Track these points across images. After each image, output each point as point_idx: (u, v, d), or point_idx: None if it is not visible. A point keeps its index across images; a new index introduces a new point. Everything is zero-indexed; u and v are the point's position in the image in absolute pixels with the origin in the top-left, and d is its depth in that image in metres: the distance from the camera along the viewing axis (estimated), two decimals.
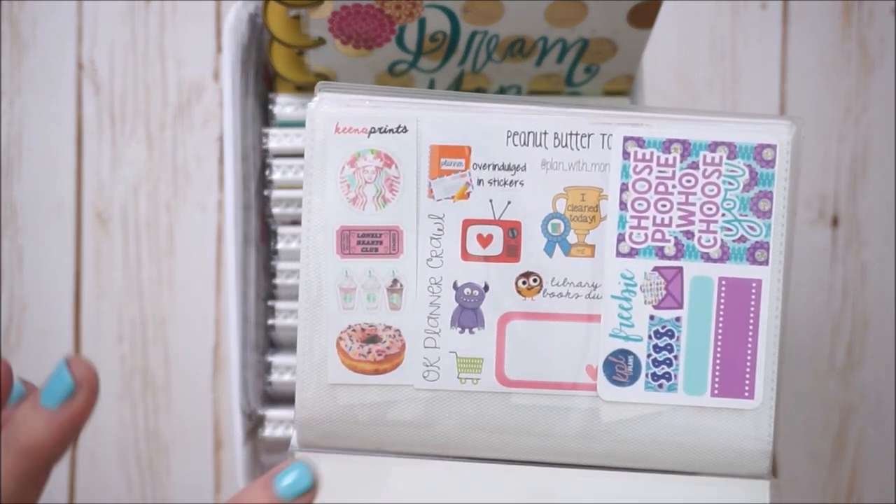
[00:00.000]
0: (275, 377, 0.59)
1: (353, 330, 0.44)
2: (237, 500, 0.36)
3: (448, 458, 0.45)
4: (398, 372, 0.45)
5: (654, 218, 0.44)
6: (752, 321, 0.44)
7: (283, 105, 0.59)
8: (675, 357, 0.44)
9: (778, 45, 0.75)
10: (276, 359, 0.59)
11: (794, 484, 0.75)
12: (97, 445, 0.75)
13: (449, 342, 0.45)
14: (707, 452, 0.44)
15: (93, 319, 0.74)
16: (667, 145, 0.44)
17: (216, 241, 0.74)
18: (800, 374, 0.75)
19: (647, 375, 0.44)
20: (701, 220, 0.44)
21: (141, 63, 0.75)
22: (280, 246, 0.59)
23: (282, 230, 0.59)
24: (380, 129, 0.44)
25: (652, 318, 0.44)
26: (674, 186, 0.44)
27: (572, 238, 0.44)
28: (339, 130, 0.44)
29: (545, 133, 0.44)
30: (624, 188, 0.44)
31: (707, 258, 0.44)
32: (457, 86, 0.59)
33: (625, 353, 0.44)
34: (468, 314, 0.45)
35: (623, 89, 0.60)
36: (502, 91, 0.59)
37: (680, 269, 0.44)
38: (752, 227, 0.44)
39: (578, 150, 0.44)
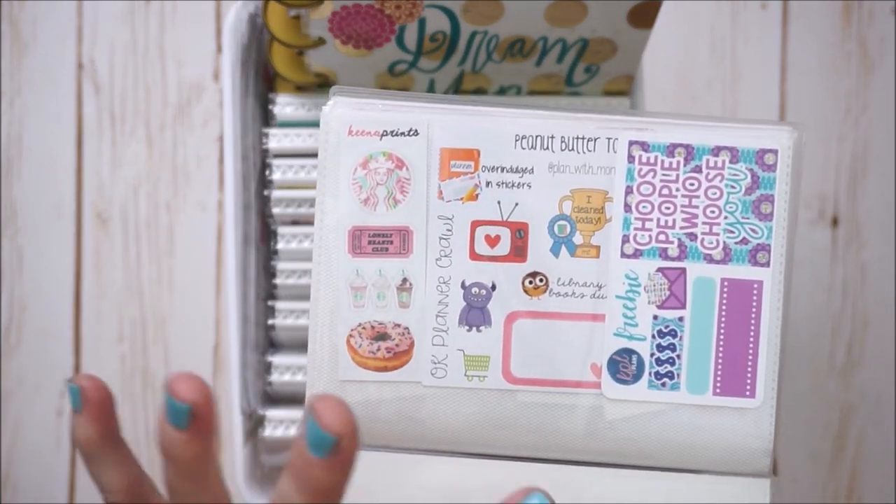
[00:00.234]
0: (275, 377, 0.59)
1: (363, 327, 0.45)
2: None
3: (454, 454, 0.46)
4: (407, 369, 0.45)
5: (658, 220, 0.45)
6: (753, 321, 0.45)
7: (283, 105, 0.59)
8: (678, 356, 0.45)
9: (778, 45, 0.75)
10: (276, 359, 0.59)
11: (794, 484, 0.75)
12: None
13: (457, 340, 0.45)
14: (708, 450, 0.45)
15: (93, 319, 0.74)
16: (671, 149, 0.45)
17: (216, 241, 0.74)
18: (800, 374, 0.75)
19: (650, 374, 0.45)
20: (704, 223, 0.45)
21: (141, 63, 0.74)
22: (280, 246, 0.59)
23: (282, 230, 0.59)
24: (392, 132, 0.45)
25: (655, 317, 0.45)
26: (677, 189, 0.45)
27: (578, 239, 0.45)
28: (352, 133, 0.45)
29: (552, 137, 0.45)
30: (629, 191, 0.45)
31: (710, 259, 0.45)
32: (457, 86, 0.59)
33: (629, 352, 0.45)
34: (476, 313, 0.45)
35: (623, 89, 0.59)
36: (502, 91, 0.59)
37: (683, 269, 0.45)
38: (753, 230, 0.45)
39: (584, 153, 0.45)
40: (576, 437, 0.45)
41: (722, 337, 0.45)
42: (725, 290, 0.45)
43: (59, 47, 0.74)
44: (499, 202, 0.45)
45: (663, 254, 0.45)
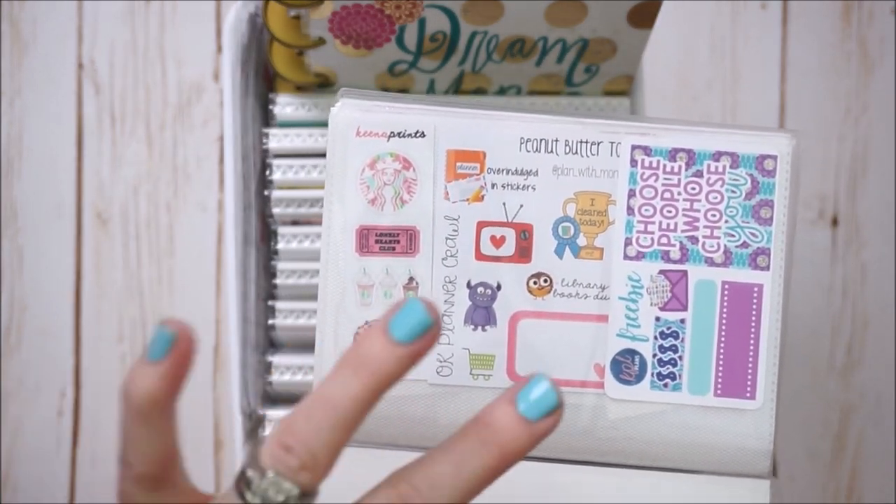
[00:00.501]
0: (275, 377, 0.59)
1: (370, 326, 0.45)
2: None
3: None
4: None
5: (660, 223, 0.45)
6: (753, 324, 0.45)
7: (283, 105, 0.59)
8: (680, 357, 0.45)
9: (778, 45, 0.75)
10: (276, 359, 0.59)
11: (794, 483, 0.75)
12: (97, 445, 0.75)
13: (462, 339, 0.46)
14: (709, 451, 0.45)
15: (93, 319, 0.74)
16: (673, 154, 0.45)
17: (216, 241, 0.74)
18: (799, 374, 0.74)
19: (652, 375, 0.45)
20: (705, 226, 0.45)
21: (141, 63, 0.74)
22: (280, 246, 0.59)
23: (282, 230, 0.59)
24: (399, 133, 0.46)
25: (658, 319, 0.45)
26: (679, 193, 0.45)
27: (582, 241, 0.46)
28: (360, 134, 0.46)
29: (556, 140, 0.46)
30: (631, 194, 0.45)
31: (711, 263, 0.45)
32: (457, 86, 0.58)
33: (631, 353, 0.45)
34: (481, 312, 0.46)
35: (623, 89, 0.59)
36: (502, 91, 0.59)
37: (685, 272, 0.45)
38: (753, 234, 0.45)
39: (588, 157, 0.46)
40: (578, 437, 0.45)
41: (723, 339, 0.45)
42: (726, 292, 0.45)
43: (59, 47, 0.74)
44: (504, 203, 0.46)
45: (665, 256, 0.45)
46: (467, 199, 0.46)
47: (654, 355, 0.45)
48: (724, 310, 0.45)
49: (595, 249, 0.45)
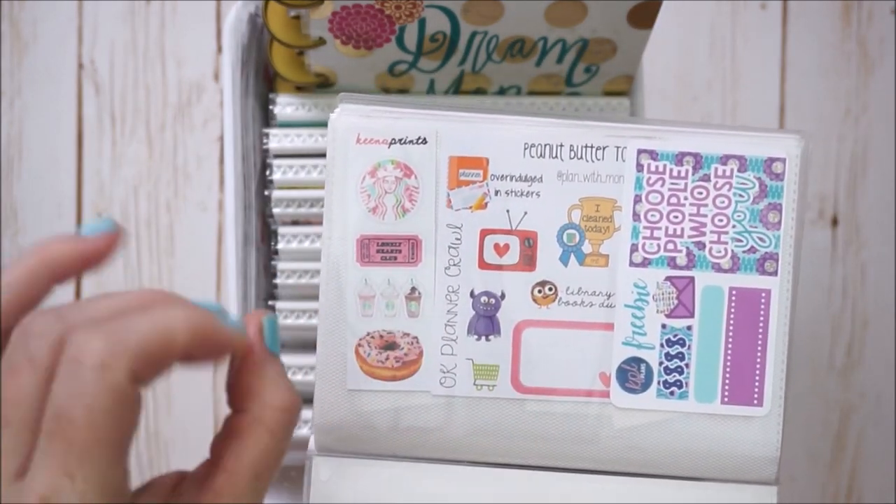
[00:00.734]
0: None
1: (372, 337, 0.45)
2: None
3: (463, 463, 0.45)
4: (415, 378, 0.45)
5: (667, 229, 0.45)
6: (761, 330, 0.45)
7: (284, 105, 0.59)
8: (687, 365, 0.45)
9: (778, 45, 0.75)
10: None
11: (794, 484, 0.75)
12: None
13: (465, 349, 0.45)
14: (716, 458, 0.45)
15: None
16: (679, 158, 0.45)
17: (216, 241, 0.74)
18: (799, 374, 0.74)
19: (658, 383, 0.45)
20: (712, 232, 0.45)
21: (141, 63, 0.74)
22: (280, 246, 0.59)
23: (282, 230, 0.59)
24: (400, 140, 0.45)
25: (664, 326, 0.45)
26: (686, 198, 0.45)
27: (587, 248, 0.45)
28: (360, 141, 0.45)
29: (561, 145, 0.45)
30: (637, 199, 0.45)
31: (718, 268, 0.45)
32: (457, 86, 0.58)
33: (637, 361, 0.45)
34: (484, 322, 0.45)
35: (623, 89, 0.59)
36: (502, 91, 0.59)
37: (691, 278, 0.45)
38: (761, 239, 0.45)
39: (593, 162, 0.45)
40: (585, 446, 0.45)
41: (730, 346, 0.45)
42: (733, 298, 0.45)
43: (59, 47, 0.74)
44: (507, 211, 0.45)
45: (671, 262, 0.45)
46: (470, 207, 0.45)
47: (661, 363, 0.45)
48: (732, 316, 0.45)
49: (600, 256, 0.45)
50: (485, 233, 0.45)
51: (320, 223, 0.58)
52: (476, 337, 0.45)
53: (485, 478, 0.45)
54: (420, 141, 0.45)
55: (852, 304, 0.74)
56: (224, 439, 0.36)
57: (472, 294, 0.45)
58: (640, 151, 0.45)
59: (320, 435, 0.45)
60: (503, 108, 0.47)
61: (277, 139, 0.58)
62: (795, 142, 0.45)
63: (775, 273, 0.45)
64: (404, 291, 0.45)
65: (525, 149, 0.45)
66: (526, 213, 0.45)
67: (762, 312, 0.45)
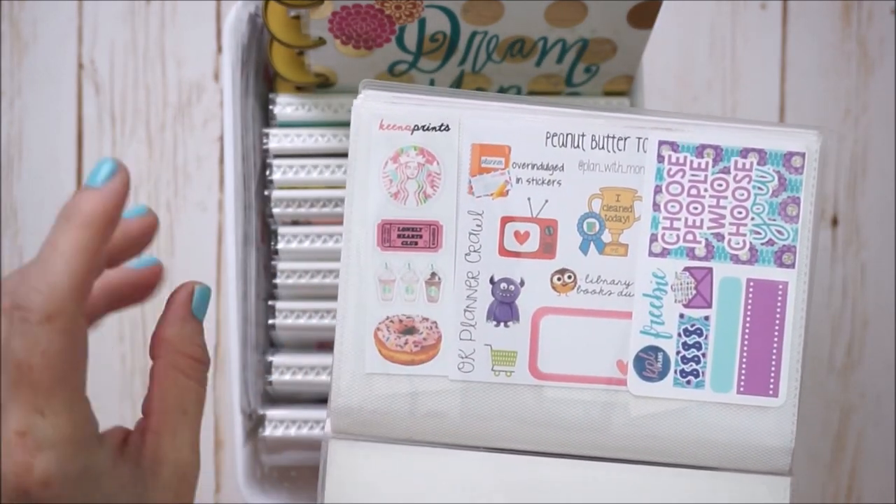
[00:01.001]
0: (275, 377, 0.59)
1: (391, 321, 0.45)
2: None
3: (480, 448, 0.46)
4: (434, 363, 0.45)
5: (686, 220, 0.45)
6: (777, 322, 0.45)
7: (283, 105, 0.59)
8: (703, 355, 0.45)
9: (778, 45, 0.75)
10: (276, 359, 0.59)
11: (794, 484, 0.75)
12: None
13: (484, 335, 0.45)
14: (730, 448, 0.45)
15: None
16: (700, 150, 0.45)
17: (216, 241, 0.74)
18: None
19: (675, 372, 0.45)
20: (731, 223, 0.45)
21: (141, 63, 0.74)
22: (280, 246, 0.59)
23: (282, 230, 0.59)
24: (423, 126, 0.45)
25: (682, 316, 0.45)
26: (705, 190, 0.45)
27: (607, 237, 0.45)
28: (384, 127, 0.45)
29: (583, 135, 0.45)
30: (658, 190, 0.45)
31: (736, 260, 0.45)
32: (457, 86, 0.58)
33: (655, 350, 0.45)
34: (504, 308, 0.45)
35: (623, 89, 0.59)
36: (502, 91, 0.59)
37: (710, 269, 0.45)
38: (779, 231, 0.45)
39: (615, 152, 0.45)
40: (601, 433, 0.45)
41: (747, 336, 0.45)
42: (751, 290, 0.45)
43: (59, 47, 0.74)
44: (529, 199, 0.45)
45: (690, 253, 0.45)
46: (491, 194, 0.45)
47: (678, 352, 0.45)
48: (749, 307, 0.45)
49: (620, 246, 0.45)
50: (505, 220, 0.45)
51: (320, 223, 0.59)
52: (495, 323, 0.45)
53: (500, 463, 0.45)
54: (443, 128, 0.45)
55: (852, 304, 0.74)
56: (149, 389, 0.41)
57: (491, 280, 0.45)
58: (661, 143, 0.45)
59: (337, 418, 0.45)
60: (526, 98, 0.47)
61: (277, 139, 0.58)
62: (815, 137, 0.45)
63: (793, 265, 0.45)
64: (424, 276, 0.45)
65: (547, 138, 0.45)
66: (547, 201, 0.45)
67: (779, 304, 0.45)
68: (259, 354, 0.60)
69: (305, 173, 0.58)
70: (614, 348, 0.45)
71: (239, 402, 0.59)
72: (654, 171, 0.45)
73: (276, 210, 0.58)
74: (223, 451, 0.74)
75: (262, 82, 0.61)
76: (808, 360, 0.76)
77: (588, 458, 0.45)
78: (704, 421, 0.45)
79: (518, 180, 0.45)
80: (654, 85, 0.73)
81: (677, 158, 0.45)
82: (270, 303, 0.59)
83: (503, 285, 0.45)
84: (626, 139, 0.45)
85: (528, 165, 0.45)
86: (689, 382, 0.45)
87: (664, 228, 0.45)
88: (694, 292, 0.45)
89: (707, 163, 0.45)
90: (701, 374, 0.45)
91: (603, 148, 0.45)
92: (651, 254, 0.45)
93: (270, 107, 0.59)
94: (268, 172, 0.58)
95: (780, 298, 0.45)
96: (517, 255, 0.45)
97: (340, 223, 0.58)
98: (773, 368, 0.45)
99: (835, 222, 0.74)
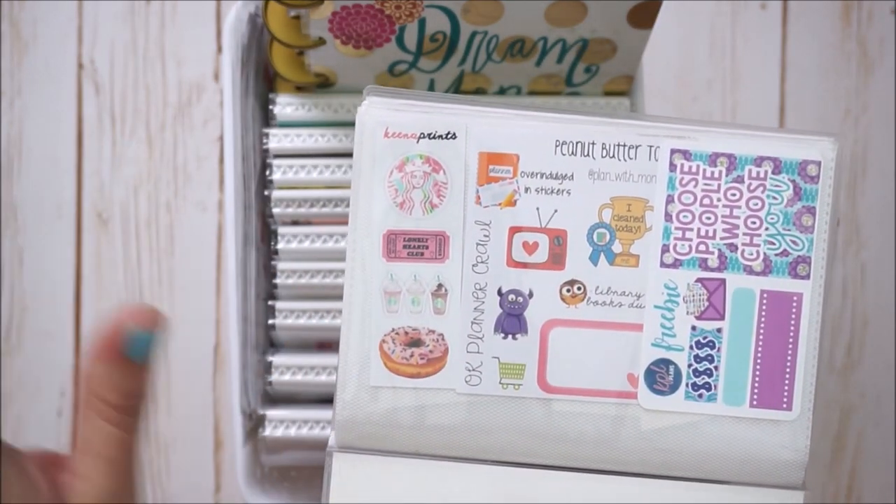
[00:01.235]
0: (275, 377, 0.59)
1: (397, 333, 0.44)
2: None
3: (487, 462, 0.45)
4: (440, 376, 0.44)
5: (699, 230, 0.44)
6: (792, 334, 0.44)
7: (284, 105, 0.59)
8: (716, 368, 0.44)
9: (778, 45, 0.75)
10: (276, 359, 0.59)
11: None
12: None
13: (492, 347, 0.44)
14: (743, 462, 0.44)
15: (93, 319, 0.74)
16: (713, 159, 0.44)
17: (216, 241, 0.74)
18: None
19: (687, 385, 0.44)
20: (744, 234, 0.44)
21: (141, 63, 0.74)
22: (280, 246, 0.58)
23: (282, 230, 0.58)
24: (429, 134, 0.44)
25: (694, 328, 0.44)
26: (718, 199, 0.44)
27: (617, 248, 0.44)
28: (389, 135, 0.44)
29: (593, 143, 0.44)
30: (669, 200, 0.44)
31: (750, 271, 0.44)
32: (457, 86, 0.58)
33: (666, 363, 0.44)
34: (512, 320, 0.44)
35: (623, 89, 0.59)
36: (502, 91, 0.59)
37: (723, 280, 0.44)
38: (794, 242, 0.44)
39: (625, 161, 0.44)
40: (610, 448, 0.44)
41: (760, 349, 0.44)
42: (765, 302, 0.44)
43: (59, 47, 0.74)
44: (537, 208, 0.44)
45: (703, 264, 0.44)
46: (499, 204, 0.44)
47: (690, 365, 0.44)
48: (763, 319, 0.44)
49: (631, 256, 0.44)
50: (514, 230, 0.44)
51: (320, 223, 0.58)
52: (503, 335, 0.44)
53: (508, 477, 0.44)
54: (450, 136, 0.44)
55: (852, 304, 0.74)
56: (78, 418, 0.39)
57: (499, 292, 0.44)
58: (673, 151, 0.44)
59: (341, 431, 0.44)
60: (535, 105, 0.45)
61: (277, 139, 0.58)
62: (831, 145, 0.44)
63: (807, 277, 0.44)
64: (431, 288, 0.44)
65: (556, 146, 0.44)
66: (556, 211, 0.44)
67: (793, 316, 0.44)
68: (259, 354, 0.60)
69: (305, 173, 0.58)
70: (625, 361, 0.44)
71: (239, 402, 0.59)
72: (666, 181, 0.44)
73: (276, 210, 0.58)
74: (223, 451, 0.74)
75: (262, 82, 0.61)
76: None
77: (597, 472, 0.44)
78: (716, 435, 0.44)
79: (527, 189, 0.44)
80: (654, 85, 0.73)
81: (690, 167, 0.44)
82: (270, 303, 0.59)
83: (511, 297, 0.44)
84: (637, 147, 0.44)
85: (536, 174, 0.44)
86: (700, 396, 0.44)
87: (676, 239, 0.44)
88: (706, 304, 0.44)
89: (720, 171, 0.44)
90: (713, 387, 0.44)
91: (613, 156, 0.44)
92: (663, 265, 0.44)
93: (270, 107, 0.59)
94: (268, 172, 0.58)
95: (794, 310, 0.44)
96: (525, 266, 0.44)
97: (340, 223, 0.58)
98: (786, 381, 0.44)
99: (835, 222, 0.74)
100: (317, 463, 0.61)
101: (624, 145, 0.44)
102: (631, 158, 0.44)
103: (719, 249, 0.44)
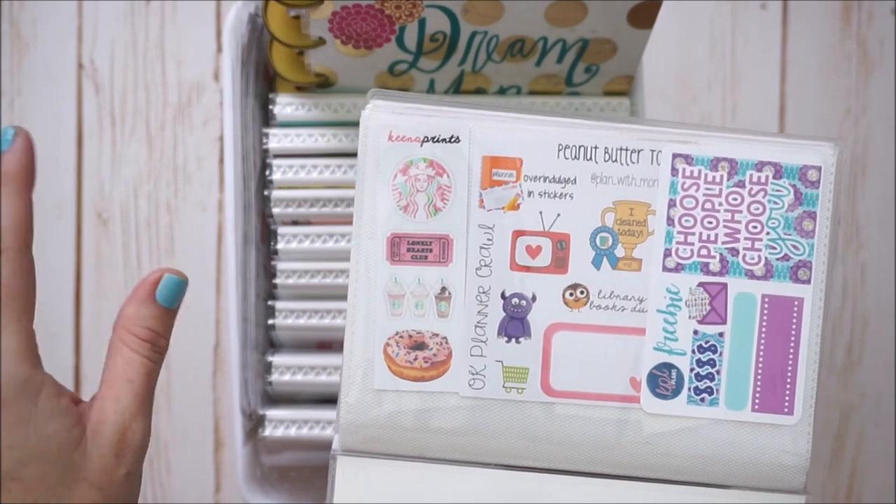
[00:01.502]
0: (275, 377, 0.59)
1: (401, 336, 0.44)
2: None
3: (491, 465, 0.45)
4: (444, 379, 0.44)
5: (701, 234, 0.44)
6: (793, 338, 0.44)
7: (283, 105, 0.58)
8: (718, 372, 0.44)
9: (778, 45, 0.75)
10: (276, 359, 0.59)
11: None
12: None
13: (495, 351, 0.44)
14: (745, 466, 0.44)
15: (93, 319, 0.74)
16: (714, 163, 0.44)
17: (216, 241, 0.74)
18: None
19: (689, 389, 0.44)
20: (746, 238, 0.44)
21: (141, 63, 0.74)
22: (280, 246, 0.58)
23: (282, 230, 0.58)
24: (433, 138, 0.44)
25: (696, 332, 0.44)
26: (720, 204, 0.44)
27: (620, 252, 0.44)
28: (393, 139, 0.44)
29: (595, 147, 0.44)
30: (672, 204, 0.44)
31: (751, 275, 0.44)
32: (457, 86, 0.58)
33: (668, 367, 0.44)
34: (515, 324, 0.44)
35: (623, 89, 0.59)
36: (502, 91, 0.59)
37: (724, 285, 0.44)
38: (795, 247, 0.44)
39: (628, 165, 0.44)
40: (612, 451, 0.44)
41: (762, 353, 0.44)
42: (766, 306, 0.44)
43: (59, 47, 0.74)
44: (541, 212, 0.44)
45: (705, 268, 0.44)
46: (503, 208, 0.44)
47: (692, 369, 0.44)
48: (764, 323, 0.44)
49: (633, 261, 0.44)
50: (517, 234, 0.44)
51: (320, 223, 0.58)
52: (506, 339, 0.44)
53: (512, 481, 0.44)
54: (453, 140, 0.44)
55: (852, 304, 0.74)
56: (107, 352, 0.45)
57: (502, 295, 0.44)
58: (675, 156, 0.44)
59: (345, 434, 0.44)
60: (538, 109, 0.45)
61: (277, 139, 0.58)
62: (832, 150, 0.44)
63: (808, 281, 0.44)
64: (434, 291, 0.44)
65: (559, 150, 0.44)
66: (559, 215, 0.44)
67: (794, 320, 0.44)
68: (259, 354, 0.60)
69: (305, 173, 0.58)
70: (627, 365, 0.44)
71: (239, 402, 0.59)
72: (668, 185, 0.44)
73: (275, 210, 0.58)
74: (223, 451, 0.74)
75: (262, 82, 0.61)
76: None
77: (600, 476, 0.44)
78: (718, 438, 0.44)
79: (530, 193, 0.44)
80: (654, 85, 0.73)
81: (691, 172, 0.44)
82: (270, 303, 0.59)
83: (514, 300, 0.44)
84: (639, 151, 0.44)
85: (539, 178, 0.44)
86: (703, 400, 0.44)
87: (678, 243, 0.44)
88: (708, 308, 0.44)
89: (722, 176, 0.44)
90: (715, 391, 0.44)
91: (616, 161, 0.44)
92: (665, 269, 0.44)
93: (270, 107, 0.59)
94: (268, 172, 0.58)
95: (795, 315, 0.44)
96: (529, 269, 0.44)
97: (340, 223, 0.58)
98: (788, 386, 0.44)
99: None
100: (317, 463, 0.61)
101: (626, 149, 0.44)
102: (633, 162, 0.44)
103: (721, 254, 0.44)
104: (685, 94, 0.74)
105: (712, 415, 0.44)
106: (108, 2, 0.74)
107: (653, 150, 0.44)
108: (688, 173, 0.44)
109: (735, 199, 0.44)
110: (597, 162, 0.44)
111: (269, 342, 0.61)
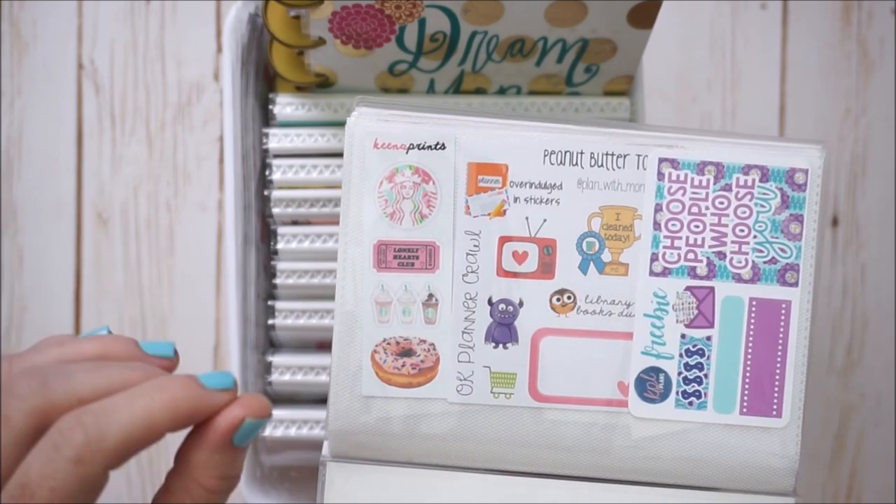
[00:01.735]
0: (275, 377, 0.59)
1: (388, 343, 0.44)
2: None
3: (480, 471, 0.45)
4: (432, 385, 0.45)
5: (687, 238, 0.44)
6: (781, 341, 0.44)
7: (283, 105, 0.58)
8: (706, 375, 0.44)
9: (778, 45, 0.75)
10: (276, 359, 0.59)
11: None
12: None
13: (483, 357, 0.44)
14: (733, 469, 0.44)
15: (93, 319, 0.74)
16: (701, 167, 0.44)
17: (216, 241, 0.74)
18: None
19: (677, 393, 0.44)
20: (733, 242, 0.44)
21: (141, 63, 0.74)
22: (280, 246, 0.58)
23: (282, 230, 0.58)
24: (418, 145, 0.44)
25: (683, 336, 0.44)
26: (707, 208, 0.44)
27: (606, 256, 0.44)
28: (378, 146, 0.44)
29: (581, 153, 0.44)
30: (658, 208, 0.44)
31: (738, 279, 0.44)
32: (457, 86, 0.58)
33: (656, 371, 0.44)
34: (502, 329, 0.44)
35: (623, 89, 0.59)
36: (502, 91, 0.59)
37: (711, 289, 0.44)
38: (782, 250, 0.44)
39: (614, 170, 0.44)
40: (601, 455, 0.44)
41: (749, 356, 0.44)
42: (753, 309, 0.44)
43: (59, 47, 0.74)
44: (527, 218, 0.44)
45: (692, 272, 0.44)
46: (489, 214, 0.44)
47: (680, 373, 0.44)
48: (752, 327, 0.44)
49: (620, 265, 0.44)
50: (503, 240, 0.44)
51: (320, 223, 0.58)
52: (493, 345, 0.44)
53: (501, 486, 0.45)
54: (439, 146, 0.44)
55: (852, 304, 0.74)
56: (161, 491, 0.38)
57: (489, 301, 0.44)
58: (661, 160, 0.44)
59: (334, 441, 0.45)
60: (523, 115, 0.45)
61: (277, 139, 0.58)
62: (818, 153, 0.44)
63: (796, 284, 0.44)
64: (421, 298, 0.44)
65: (545, 156, 0.44)
66: (545, 220, 0.44)
67: (782, 323, 0.44)
68: (259, 354, 0.60)
69: (305, 173, 0.58)
70: (615, 369, 0.44)
71: None
72: (655, 189, 0.44)
73: (275, 210, 0.58)
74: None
75: (262, 82, 0.61)
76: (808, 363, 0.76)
77: (589, 480, 0.45)
78: (707, 442, 0.44)
79: (516, 199, 0.44)
80: (654, 85, 0.73)
81: (678, 176, 0.44)
82: (270, 303, 0.59)
83: (501, 306, 0.44)
84: (625, 156, 0.44)
85: (525, 184, 0.44)
86: (691, 404, 0.44)
87: (665, 247, 0.44)
88: (696, 312, 0.44)
89: (708, 180, 0.44)
90: (703, 395, 0.44)
91: (602, 165, 0.44)
92: (652, 273, 0.44)
93: (270, 107, 0.59)
94: (267, 172, 0.58)
95: (782, 318, 0.44)
96: (515, 275, 0.44)
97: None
98: (776, 389, 0.44)
99: (835, 222, 0.74)
100: (317, 463, 0.61)
101: (612, 154, 0.44)
102: (619, 167, 0.44)
103: (708, 258, 0.44)
104: (685, 95, 0.74)
105: (700, 418, 0.44)
106: (108, 2, 0.73)
107: (639, 155, 0.44)
108: (674, 177, 0.44)
109: (722, 203, 0.44)
110: (583, 167, 0.44)
111: (269, 342, 0.61)
